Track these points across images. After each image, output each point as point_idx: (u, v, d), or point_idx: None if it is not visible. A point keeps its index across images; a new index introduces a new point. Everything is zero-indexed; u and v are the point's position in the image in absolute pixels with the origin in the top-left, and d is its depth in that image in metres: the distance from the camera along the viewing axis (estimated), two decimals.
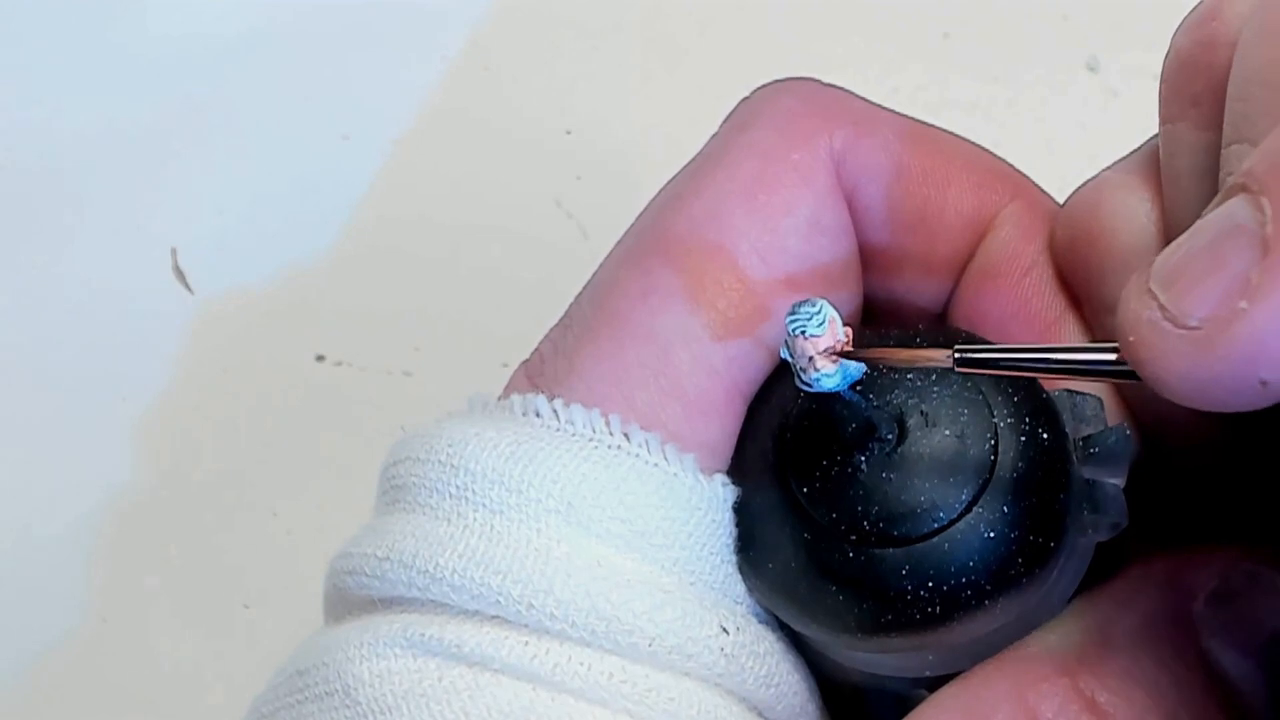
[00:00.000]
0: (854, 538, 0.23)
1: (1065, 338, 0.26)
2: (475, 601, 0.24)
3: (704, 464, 0.25)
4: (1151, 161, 0.25)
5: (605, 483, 0.24)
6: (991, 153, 0.28)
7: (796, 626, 0.25)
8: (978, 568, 0.23)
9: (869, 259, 0.27)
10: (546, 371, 0.26)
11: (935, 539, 0.23)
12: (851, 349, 0.22)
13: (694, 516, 0.25)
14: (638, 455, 0.25)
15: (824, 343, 0.22)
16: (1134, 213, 0.25)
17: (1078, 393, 0.25)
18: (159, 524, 0.46)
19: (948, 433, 0.23)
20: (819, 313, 0.22)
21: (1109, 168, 0.26)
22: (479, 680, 0.24)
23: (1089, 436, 0.24)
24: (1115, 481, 0.24)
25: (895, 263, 0.27)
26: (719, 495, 0.25)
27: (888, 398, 0.24)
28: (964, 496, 0.23)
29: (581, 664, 0.24)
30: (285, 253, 0.50)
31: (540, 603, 0.24)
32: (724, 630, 0.24)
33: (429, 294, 0.49)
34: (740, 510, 0.25)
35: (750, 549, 0.25)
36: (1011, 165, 0.28)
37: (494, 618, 0.24)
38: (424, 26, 0.54)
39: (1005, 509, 0.23)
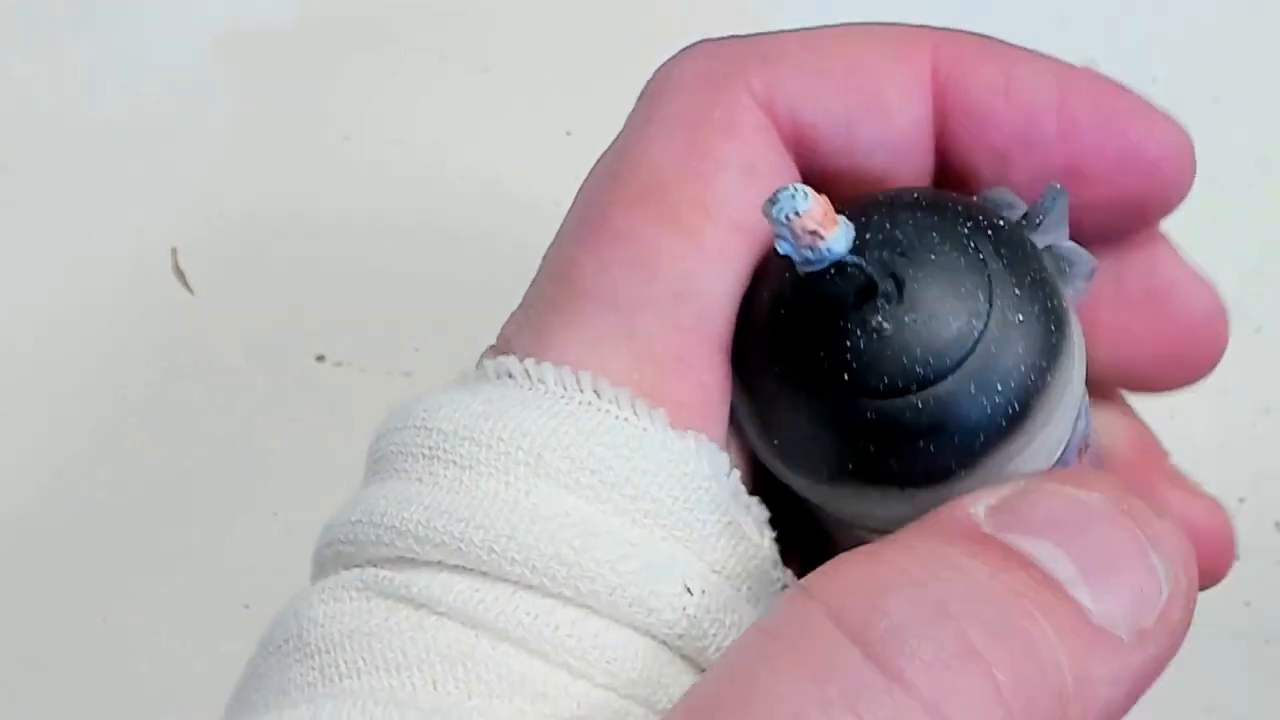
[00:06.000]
0: (875, 395, 0.23)
1: (1078, 107, 0.27)
2: (438, 551, 0.24)
3: (675, 419, 0.25)
4: None
5: (575, 436, 0.24)
6: (899, 25, 0.28)
7: (839, 505, 0.25)
8: (1008, 383, 0.23)
9: (834, 163, 0.27)
10: (514, 349, 0.26)
11: (957, 373, 0.23)
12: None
13: (664, 469, 0.25)
14: (608, 410, 0.25)
15: (819, 210, 0.22)
16: None
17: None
18: (159, 523, 0.46)
19: (940, 273, 0.24)
20: (799, 190, 0.22)
21: None
22: (423, 622, 0.24)
23: (1025, 213, 0.25)
24: (1064, 241, 0.25)
25: (860, 157, 0.27)
26: (691, 450, 0.25)
27: (875, 254, 0.24)
28: (975, 325, 0.23)
29: (528, 614, 0.23)
30: (285, 253, 0.50)
31: (501, 547, 0.24)
32: (688, 590, 0.24)
33: (429, 294, 0.49)
34: (752, 396, 0.25)
35: (767, 430, 0.25)
36: (923, 27, 0.28)
37: (455, 567, 0.24)
38: (424, 26, 0.54)
39: (1014, 319, 0.23)
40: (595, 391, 0.25)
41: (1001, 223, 0.25)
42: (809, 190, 0.22)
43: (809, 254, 0.22)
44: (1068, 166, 0.27)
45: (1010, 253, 0.24)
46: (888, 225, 0.24)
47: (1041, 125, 0.27)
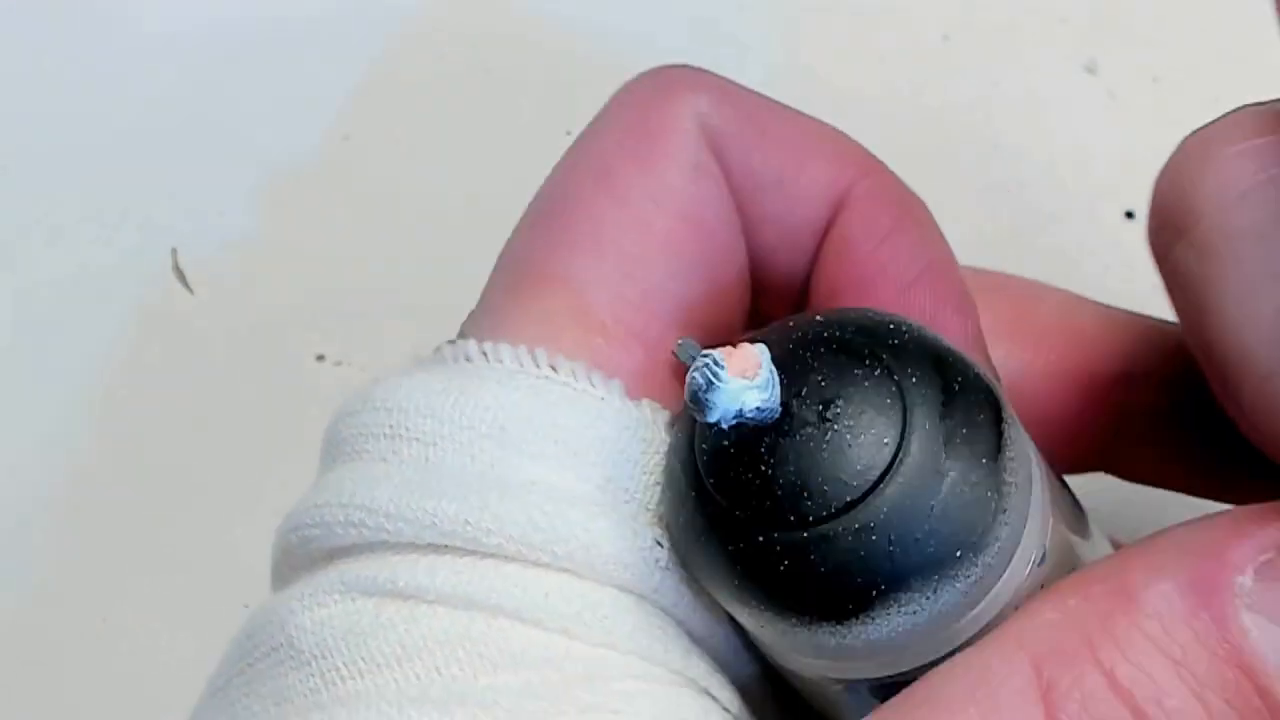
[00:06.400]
0: (792, 519, 0.22)
1: (922, 297, 0.27)
2: (412, 528, 0.24)
3: (631, 390, 0.26)
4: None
5: (536, 407, 0.25)
6: (843, 133, 0.29)
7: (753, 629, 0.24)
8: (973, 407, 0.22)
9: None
10: (470, 335, 0.27)
11: (876, 493, 0.22)
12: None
13: (623, 436, 0.25)
14: (566, 383, 0.25)
15: (742, 352, 0.22)
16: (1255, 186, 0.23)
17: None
18: (158, 522, 0.46)
19: (855, 398, 0.23)
20: (705, 355, 0.21)
21: (1205, 126, 0.25)
22: (415, 612, 0.24)
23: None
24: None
25: (755, 222, 0.28)
26: (648, 418, 0.26)
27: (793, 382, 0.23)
28: (888, 444, 0.22)
29: (517, 585, 0.24)
30: (285, 253, 0.50)
31: (476, 518, 0.24)
32: (658, 543, 0.25)
33: (429, 294, 0.49)
34: (667, 510, 0.25)
35: (707, 578, 0.24)
36: (861, 145, 0.29)
37: (430, 545, 0.24)
38: (424, 27, 0.54)
39: (934, 423, 0.22)
40: (552, 366, 0.25)
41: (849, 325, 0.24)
42: (708, 351, 0.22)
43: (752, 398, 0.22)
44: None
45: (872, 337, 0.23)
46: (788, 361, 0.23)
47: (879, 288, 0.27)
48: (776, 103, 0.29)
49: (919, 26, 0.52)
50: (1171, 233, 0.24)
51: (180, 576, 0.45)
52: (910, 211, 0.28)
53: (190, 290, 0.50)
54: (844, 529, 0.22)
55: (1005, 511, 0.22)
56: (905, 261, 0.27)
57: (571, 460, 0.25)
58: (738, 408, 0.22)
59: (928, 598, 0.22)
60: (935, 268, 0.27)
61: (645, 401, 0.26)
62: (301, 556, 0.26)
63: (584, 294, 0.26)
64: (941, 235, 0.29)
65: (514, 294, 0.27)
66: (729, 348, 0.22)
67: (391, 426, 0.25)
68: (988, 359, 0.28)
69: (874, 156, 0.29)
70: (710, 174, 0.28)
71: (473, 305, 0.46)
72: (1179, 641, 0.21)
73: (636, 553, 0.24)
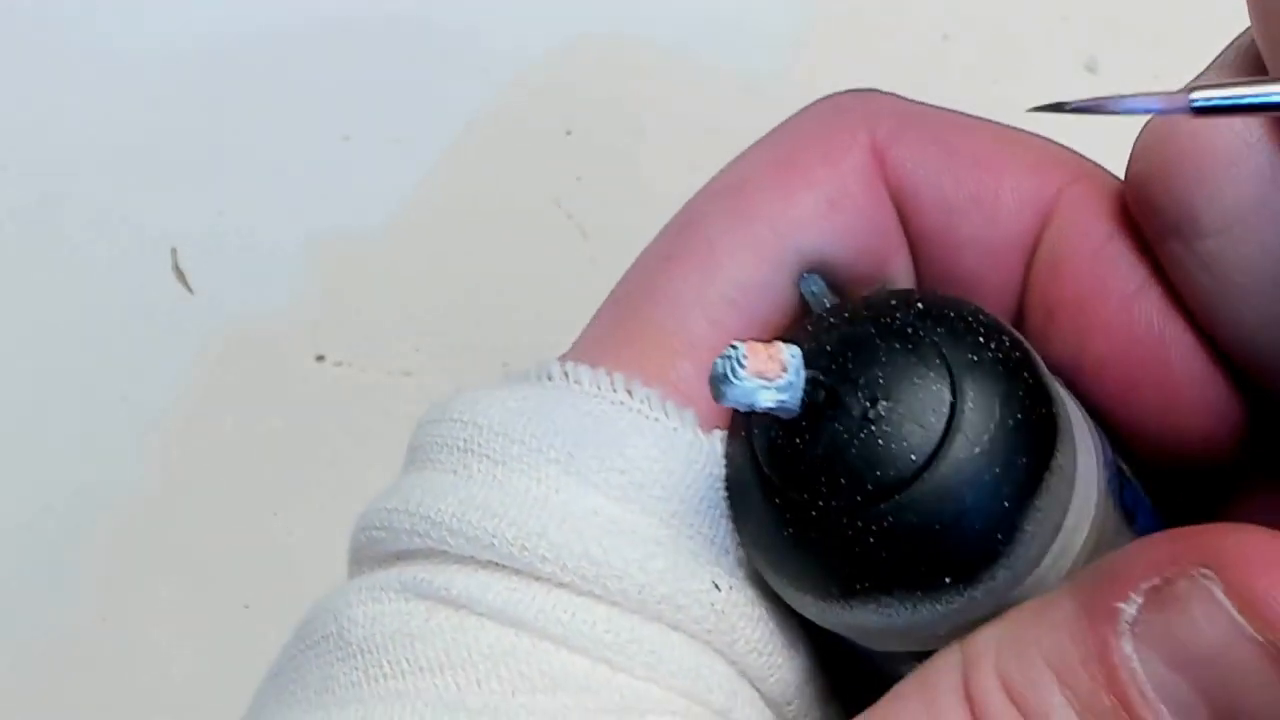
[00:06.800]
0: (834, 502, 0.23)
1: (1148, 309, 0.26)
2: (471, 545, 0.24)
3: (705, 419, 0.25)
4: (1238, 59, 0.24)
5: (606, 435, 0.25)
6: (1047, 138, 0.27)
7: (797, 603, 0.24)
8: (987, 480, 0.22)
9: (926, 246, 0.27)
10: (577, 342, 0.27)
11: (928, 472, 0.22)
12: None
13: (691, 470, 0.25)
14: (638, 410, 0.25)
15: (768, 352, 0.22)
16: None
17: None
18: (159, 523, 0.46)
19: (904, 376, 0.23)
20: (732, 350, 0.22)
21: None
22: (464, 623, 0.24)
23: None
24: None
25: (954, 249, 0.27)
26: (718, 451, 0.25)
27: (837, 366, 0.23)
28: (938, 426, 0.22)
29: (565, 611, 0.24)
30: (285, 252, 0.50)
31: (533, 545, 0.24)
32: (715, 586, 0.24)
33: (429, 294, 0.49)
34: (726, 468, 0.25)
35: (734, 511, 0.25)
36: (1069, 149, 0.27)
37: (488, 563, 0.24)
38: (422, 28, 0.54)
39: (971, 358, 0.23)
40: (628, 391, 0.25)
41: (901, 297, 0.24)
42: (738, 343, 0.22)
43: (766, 395, 0.22)
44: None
45: (924, 309, 0.23)
46: (817, 342, 0.23)
47: (1098, 303, 0.26)
48: (967, 116, 0.28)
49: (919, 26, 0.52)
50: (1164, 228, 0.25)
51: (180, 577, 0.45)
52: (1128, 215, 0.26)
53: (190, 290, 0.50)
54: (845, 522, 0.22)
55: (1010, 555, 0.23)
56: (1125, 272, 0.26)
57: (636, 493, 0.25)
58: (750, 403, 0.22)
59: (906, 608, 0.23)
60: (1158, 276, 0.26)
61: (717, 433, 0.25)
62: (369, 556, 0.26)
63: (684, 316, 0.26)
64: None
65: (614, 303, 0.27)
66: (758, 344, 0.22)
67: (465, 440, 0.26)
68: (1220, 372, 0.26)
69: (1084, 159, 0.27)
70: (849, 210, 0.26)
71: (469, 305, 0.46)
72: (1067, 660, 0.21)
73: (692, 595, 0.24)
